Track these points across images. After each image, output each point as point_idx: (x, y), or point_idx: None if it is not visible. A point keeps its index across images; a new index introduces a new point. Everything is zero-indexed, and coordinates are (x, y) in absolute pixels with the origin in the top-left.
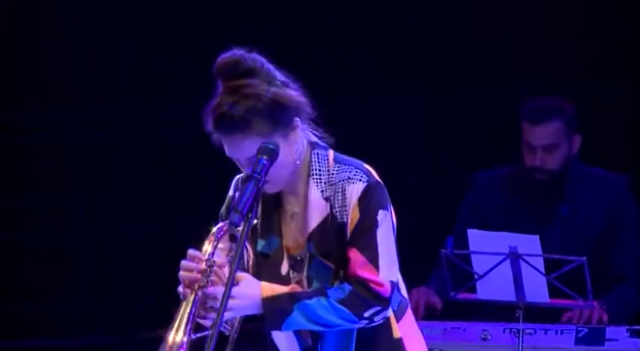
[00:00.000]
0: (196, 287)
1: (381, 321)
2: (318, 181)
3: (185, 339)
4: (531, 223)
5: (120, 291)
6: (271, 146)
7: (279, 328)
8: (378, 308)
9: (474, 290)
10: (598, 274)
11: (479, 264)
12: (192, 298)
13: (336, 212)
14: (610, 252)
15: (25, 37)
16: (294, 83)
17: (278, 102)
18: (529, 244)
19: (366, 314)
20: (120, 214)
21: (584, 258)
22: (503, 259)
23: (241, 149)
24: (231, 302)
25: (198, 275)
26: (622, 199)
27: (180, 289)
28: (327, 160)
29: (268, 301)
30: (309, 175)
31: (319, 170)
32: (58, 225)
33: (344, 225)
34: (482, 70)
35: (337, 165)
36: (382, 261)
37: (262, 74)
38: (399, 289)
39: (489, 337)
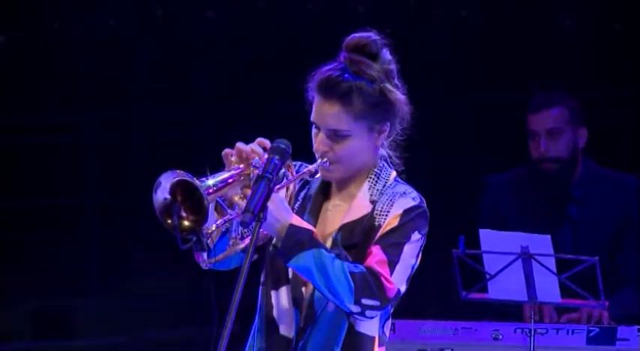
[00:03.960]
0: (250, 168)
1: (368, 319)
2: (372, 186)
3: (212, 190)
4: (544, 223)
5: (124, 291)
6: (283, 146)
7: (290, 258)
8: (377, 303)
9: (485, 290)
10: (607, 275)
11: (490, 264)
12: (235, 172)
13: (376, 214)
14: (618, 252)
15: (29, 38)
16: (407, 97)
17: (385, 95)
18: (541, 243)
19: (364, 301)
20: (128, 215)
21: (597, 258)
22: (515, 259)
23: (328, 118)
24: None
25: (255, 156)
26: (633, 200)
27: (228, 151)
28: (389, 175)
29: (293, 228)
30: (366, 178)
31: (377, 178)
32: (64, 225)
33: (378, 228)
34: (488, 73)
35: (396, 182)
36: (399, 268)
37: (383, 65)
38: (385, 325)
39: (500, 336)
